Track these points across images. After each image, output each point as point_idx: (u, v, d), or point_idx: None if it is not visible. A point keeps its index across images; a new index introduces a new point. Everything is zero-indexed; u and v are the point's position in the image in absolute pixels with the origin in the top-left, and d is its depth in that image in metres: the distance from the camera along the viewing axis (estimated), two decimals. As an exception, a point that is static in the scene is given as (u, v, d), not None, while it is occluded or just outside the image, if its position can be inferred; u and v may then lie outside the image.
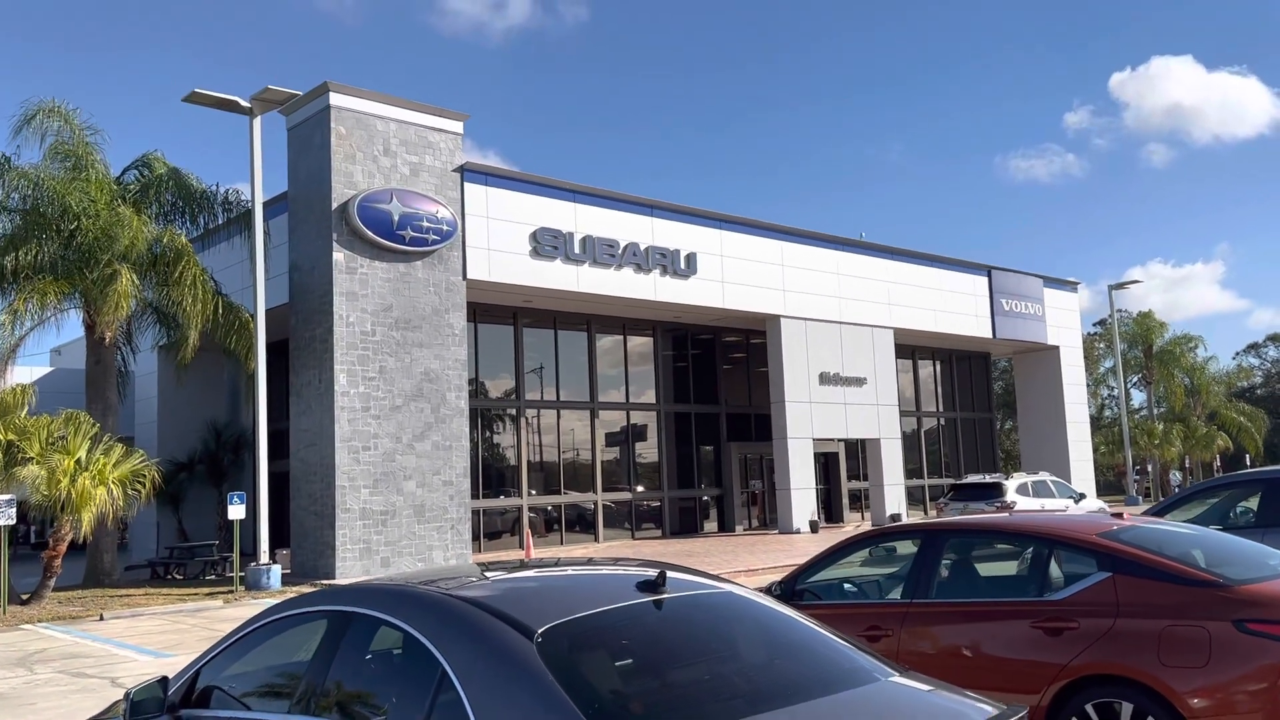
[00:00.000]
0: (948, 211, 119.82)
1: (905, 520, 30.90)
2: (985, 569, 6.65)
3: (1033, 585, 6.01)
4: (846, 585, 7.05)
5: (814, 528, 28.39)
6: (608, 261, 25.09)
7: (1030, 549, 6.29)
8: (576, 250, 24.53)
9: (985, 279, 35.53)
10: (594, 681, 3.20)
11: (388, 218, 21.10)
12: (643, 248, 25.80)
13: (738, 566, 19.27)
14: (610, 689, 3.23)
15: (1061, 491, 24.50)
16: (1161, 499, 49.72)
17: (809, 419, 29.33)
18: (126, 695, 4.08)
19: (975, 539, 6.82)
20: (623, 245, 25.38)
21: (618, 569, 4.28)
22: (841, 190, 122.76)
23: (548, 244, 24.01)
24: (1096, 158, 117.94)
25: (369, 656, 3.77)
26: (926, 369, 38.52)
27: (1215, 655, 5.04)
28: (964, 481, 24.74)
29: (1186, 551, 5.89)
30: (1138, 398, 61.14)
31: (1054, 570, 5.99)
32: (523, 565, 4.59)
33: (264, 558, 19.31)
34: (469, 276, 22.64)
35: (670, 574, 3.78)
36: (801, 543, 24.69)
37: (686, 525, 30.40)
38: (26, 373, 28.84)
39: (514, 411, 26.93)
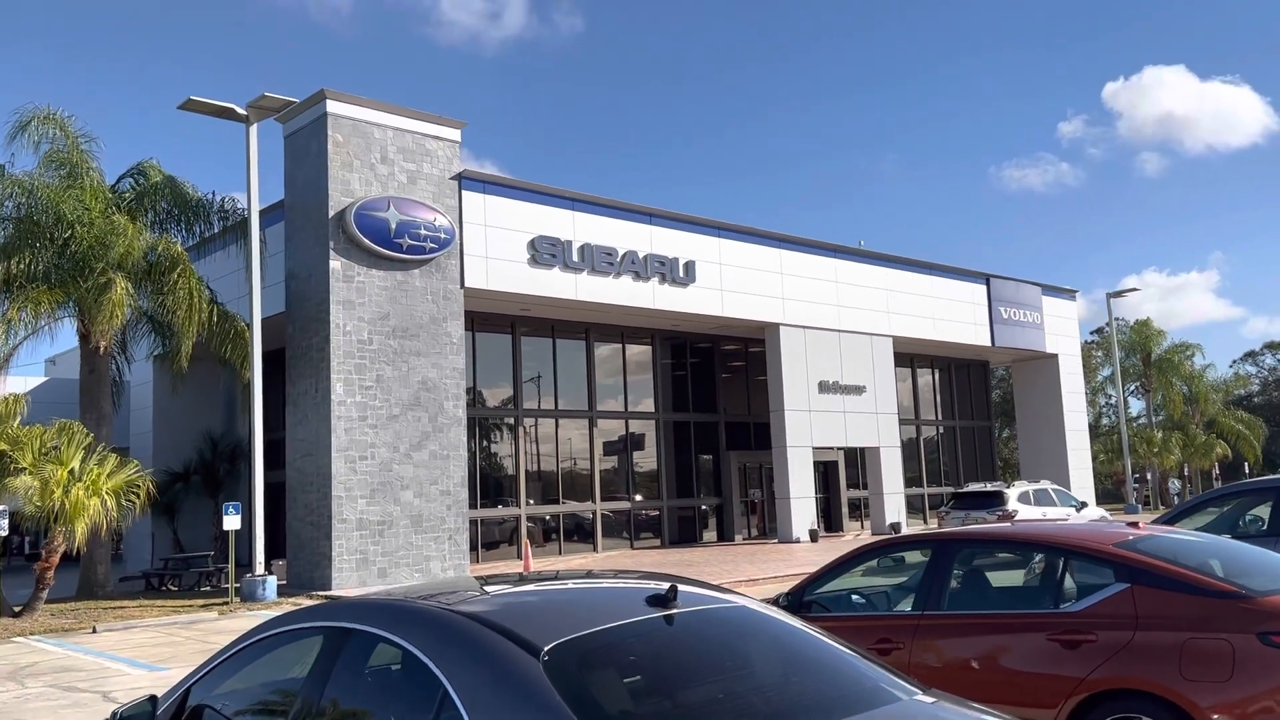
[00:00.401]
0: (943, 220, 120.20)
1: (905, 529, 30.76)
2: (998, 580, 6.50)
3: (1048, 597, 5.88)
4: (855, 597, 6.90)
5: (813, 537, 28.27)
6: (606, 270, 24.97)
7: (1045, 559, 6.16)
8: (575, 258, 24.41)
9: (984, 287, 35.45)
10: (603, 701, 3.07)
11: (385, 226, 20.99)
12: (641, 256, 25.69)
13: (738, 576, 19.10)
14: (620, 709, 3.10)
15: (1063, 500, 24.42)
16: (1161, 507, 50.04)
17: (808, 428, 29.21)
18: (114, 715, 3.95)
19: (987, 549, 6.69)
20: (621, 253, 25.27)
21: (625, 582, 4.13)
22: (837, 198, 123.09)
23: (546, 252, 23.89)
24: (1091, 167, 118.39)
25: (367, 674, 3.63)
26: (925, 377, 38.44)
27: (1239, 669, 4.92)
28: (965, 490, 24.61)
29: (1204, 561, 5.76)
30: (1136, 406, 61.23)
31: (1069, 581, 5.86)
32: (524, 579, 4.44)
33: (260, 569, 19.16)
34: (467, 285, 22.50)
35: (681, 587, 3.63)
36: (801, 552, 24.55)
37: (685, 534, 30.25)
38: (21, 383, 28.67)
39: (512, 420, 26.79)
